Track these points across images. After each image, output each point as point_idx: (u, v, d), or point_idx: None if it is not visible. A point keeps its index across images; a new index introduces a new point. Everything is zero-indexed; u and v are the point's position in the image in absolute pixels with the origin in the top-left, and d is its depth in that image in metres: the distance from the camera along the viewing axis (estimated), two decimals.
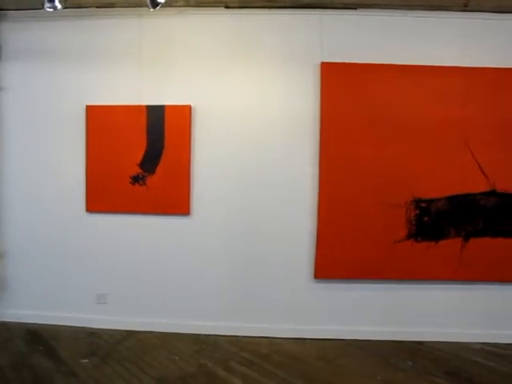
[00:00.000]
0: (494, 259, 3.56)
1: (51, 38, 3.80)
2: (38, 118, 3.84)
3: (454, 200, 3.58)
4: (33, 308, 3.89)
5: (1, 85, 3.83)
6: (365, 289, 3.70)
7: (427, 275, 3.62)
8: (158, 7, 2.78)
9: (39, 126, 3.84)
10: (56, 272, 3.88)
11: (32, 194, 3.88)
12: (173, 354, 3.42)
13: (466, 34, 3.58)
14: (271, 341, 3.66)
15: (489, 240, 3.57)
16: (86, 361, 3.26)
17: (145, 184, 3.71)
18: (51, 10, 2.79)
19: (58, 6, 2.78)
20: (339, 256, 3.62)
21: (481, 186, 3.56)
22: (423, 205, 3.59)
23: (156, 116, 3.67)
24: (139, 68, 3.74)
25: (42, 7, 2.79)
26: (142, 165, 3.71)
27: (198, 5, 3.64)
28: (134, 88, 3.73)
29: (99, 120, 3.73)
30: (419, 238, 3.60)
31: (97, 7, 3.70)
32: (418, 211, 3.60)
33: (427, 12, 3.58)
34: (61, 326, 3.82)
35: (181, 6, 3.62)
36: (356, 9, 3.62)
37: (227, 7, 3.67)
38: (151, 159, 3.70)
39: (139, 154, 3.71)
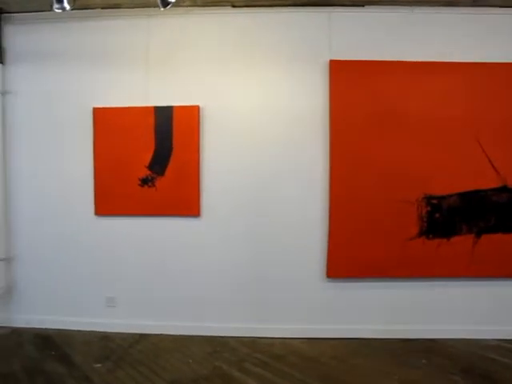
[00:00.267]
0: (506, 255, 3.55)
1: (57, 40, 3.76)
2: (45, 121, 3.81)
3: (465, 196, 3.56)
4: (42, 313, 3.87)
5: (7, 88, 3.80)
6: (377, 287, 3.68)
7: (439, 272, 3.61)
8: (168, 6, 2.76)
9: (46, 130, 3.82)
10: (65, 276, 3.86)
11: (40, 198, 3.85)
12: (186, 356, 3.40)
13: (476, 29, 3.56)
14: (284, 341, 3.64)
15: (501, 236, 3.56)
16: (99, 365, 3.23)
17: (154, 186, 3.69)
18: (60, 10, 2.77)
19: (67, 6, 2.75)
20: (351, 255, 3.61)
21: (492, 182, 3.54)
22: (434, 201, 3.58)
23: (164, 117, 3.64)
24: (146, 69, 3.71)
25: (51, 8, 2.76)
26: (150, 167, 3.68)
27: (205, 4, 3.61)
28: (142, 89, 3.70)
29: (107, 122, 3.70)
30: (431, 236, 3.58)
31: (103, 8, 3.66)
32: (429, 208, 3.58)
33: (435, 8, 3.56)
34: (72, 330, 3.80)
35: (188, 6, 3.59)
36: (364, 6, 3.59)
37: (234, 6, 3.64)
38: (160, 161, 3.67)
39: (148, 156, 3.68)
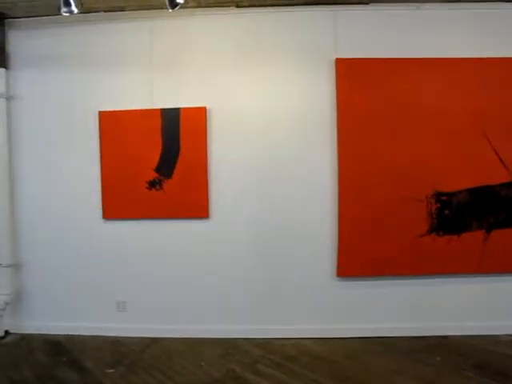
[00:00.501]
0: None
1: (61, 45, 3.75)
2: (50, 125, 3.79)
3: (474, 192, 3.56)
4: (52, 318, 3.85)
5: (12, 93, 3.78)
6: (388, 285, 3.67)
7: (450, 269, 3.60)
8: (177, 8, 2.74)
9: (51, 134, 3.80)
10: (74, 281, 3.83)
11: (47, 203, 3.82)
12: (199, 359, 3.38)
13: (482, 24, 3.55)
14: (296, 341, 3.63)
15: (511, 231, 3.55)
16: (111, 371, 3.21)
17: (162, 188, 3.67)
18: (68, 14, 2.75)
19: (75, 9, 2.73)
20: (361, 253, 3.60)
21: (501, 177, 3.54)
22: (444, 198, 3.57)
23: (171, 119, 3.62)
24: (151, 71, 3.69)
25: (58, 11, 2.74)
26: (158, 169, 3.66)
27: (209, 5, 3.60)
28: (147, 92, 3.69)
29: (112, 126, 3.68)
30: (441, 232, 3.57)
31: (106, 11, 3.64)
32: (438, 205, 3.57)
33: (441, 4, 3.55)
34: (82, 335, 3.78)
35: (192, 7, 3.57)
36: (368, 3, 3.59)
37: (238, 6, 3.63)
38: (167, 163, 3.65)
39: (155, 159, 3.66)
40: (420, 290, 3.66)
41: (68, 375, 3.16)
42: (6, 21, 3.69)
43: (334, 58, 3.57)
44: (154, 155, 3.66)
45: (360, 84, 3.56)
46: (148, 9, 3.61)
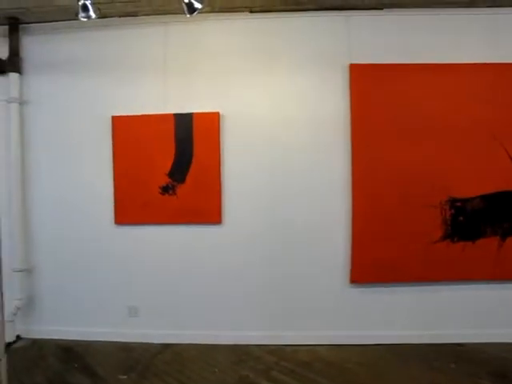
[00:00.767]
0: None
1: (74, 50, 3.75)
2: (63, 130, 3.79)
3: (489, 198, 3.53)
4: (63, 323, 3.83)
5: (25, 98, 3.78)
6: (401, 292, 3.64)
7: (465, 275, 3.57)
8: (195, 13, 2.73)
9: (64, 139, 3.79)
10: (86, 286, 3.82)
11: (59, 208, 3.82)
12: (211, 365, 3.36)
13: (495, 29, 3.54)
14: (309, 348, 3.60)
15: None
16: (124, 377, 3.19)
17: (175, 194, 3.66)
18: (85, 19, 2.75)
19: (93, 15, 2.74)
20: (375, 259, 3.57)
21: None
22: (458, 204, 3.54)
23: (184, 124, 3.61)
24: (164, 76, 3.69)
25: (76, 17, 2.74)
26: (171, 174, 3.65)
27: (223, 10, 3.60)
28: (160, 96, 3.68)
29: (125, 131, 3.68)
30: (455, 239, 3.55)
31: (120, 16, 3.65)
32: (453, 211, 3.55)
33: (454, 9, 3.54)
34: (93, 340, 3.77)
35: (206, 12, 3.57)
36: (382, 9, 3.58)
37: (252, 12, 3.63)
38: (180, 168, 3.64)
39: (168, 164, 3.65)
40: (434, 296, 3.63)
41: (80, 381, 3.14)
42: (20, 26, 3.70)
43: (348, 64, 3.56)
44: (167, 160, 3.65)
45: (374, 89, 3.55)
46: (161, 14, 3.62)
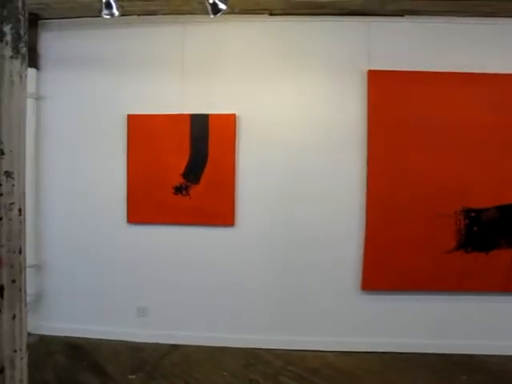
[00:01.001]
0: None
1: (92, 47, 3.75)
2: (78, 127, 3.78)
3: (504, 209, 3.51)
4: (72, 321, 3.82)
5: (41, 93, 3.78)
6: (413, 300, 3.62)
7: (478, 286, 3.54)
8: (219, 14, 2.72)
9: (79, 136, 3.79)
10: (96, 284, 3.81)
11: (72, 205, 3.81)
12: (220, 368, 3.34)
13: None
14: (318, 354, 3.58)
15: None
16: (133, 377, 3.19)
17: (188, 194, 3.64)
18: (108, 16, 2.74)
19: (116, 12, 2.73)
20: (387, 267, 3.55)
21: None
22: (473, 214, 3.52)
23: (200, 125, 3.60)
24: (181, 76, 3.68)
25: (99, 14, 2.73)
26: (185, 175, 3.64)
27: (242, 12, 3.58)
28: (177, 96, 3.67)
29: (141, 129, 3.67)
30: (469, 249, 3.52)
31: (139, 15, 3.64)
32: (467, 221, 3.52)
33: (476, 18, 3.51)
34: (101, 339, 3.75)
35: (225, 13, 3.54)
36: (403, 16, 3.56)
37: (271, 14, 3.62)
38: (195, 169, 3.63)
39: (182, 164, 3.64)
40: (446, 306, 3.60)
41: (89, 379, 3.14)
42: (39, 22, 3.70)
43: (367, 70, 3.55)
44: (182, 161, 3.64)
45: (392, 96, 3.53)
46: (181, 13, 3.61)
